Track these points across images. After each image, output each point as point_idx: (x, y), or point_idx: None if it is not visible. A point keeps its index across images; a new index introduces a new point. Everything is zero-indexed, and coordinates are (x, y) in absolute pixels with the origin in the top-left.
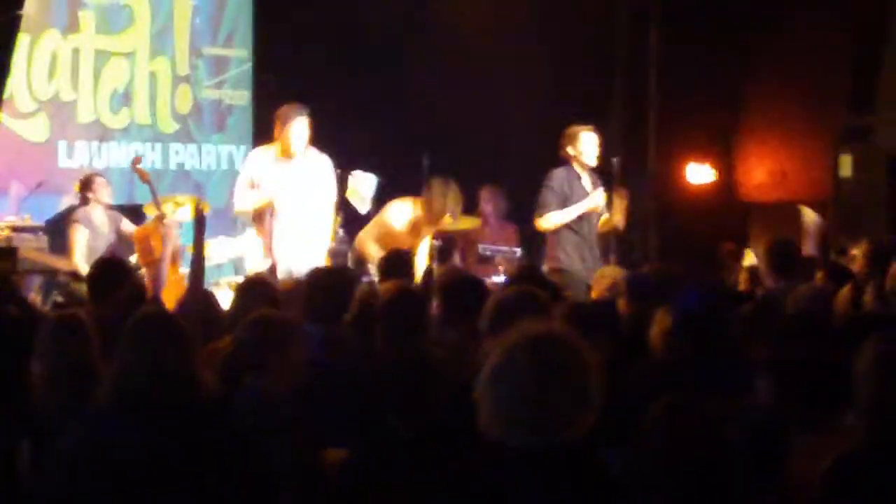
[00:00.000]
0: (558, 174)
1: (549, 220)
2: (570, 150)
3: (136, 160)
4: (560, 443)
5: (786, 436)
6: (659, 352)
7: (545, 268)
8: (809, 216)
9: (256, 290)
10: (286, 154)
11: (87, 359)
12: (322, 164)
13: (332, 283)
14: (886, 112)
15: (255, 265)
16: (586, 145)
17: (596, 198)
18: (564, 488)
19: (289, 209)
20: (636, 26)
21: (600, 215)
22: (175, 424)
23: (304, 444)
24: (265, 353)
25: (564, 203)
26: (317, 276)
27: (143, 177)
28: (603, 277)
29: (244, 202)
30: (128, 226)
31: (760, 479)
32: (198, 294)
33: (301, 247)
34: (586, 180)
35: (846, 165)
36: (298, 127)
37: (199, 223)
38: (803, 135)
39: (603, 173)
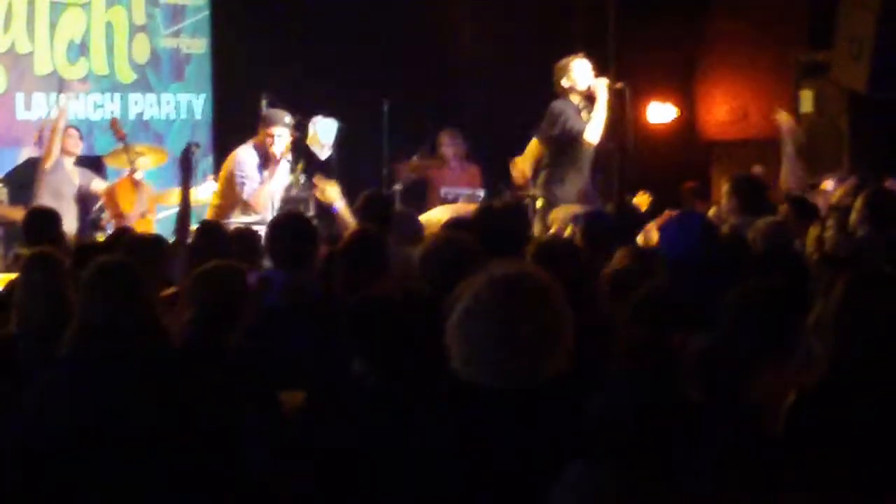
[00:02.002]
0: (559, 105)
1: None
2: (564, 82)
3: (114, 121)
4: (531, 384)
5: (746, 367)
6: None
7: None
8: (784, 118)
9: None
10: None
11: (60, 291)
12: None
13: (294, 228)
14: (844, 46)
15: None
16: (579, 73)
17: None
18: (534, 430)
19: None
20: None
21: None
22: (137, 374)
23: (263, 389)
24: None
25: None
26: (279, 221)
27: (121, 136)
28: (558, 217)
29: None
30: (98, 185)
31: (718, 410)
32: (184, 235)
33: None
34: (586, 113)
35: (807, 101)
36: None
37: (186, 166)
38: (763, 71)
39: None
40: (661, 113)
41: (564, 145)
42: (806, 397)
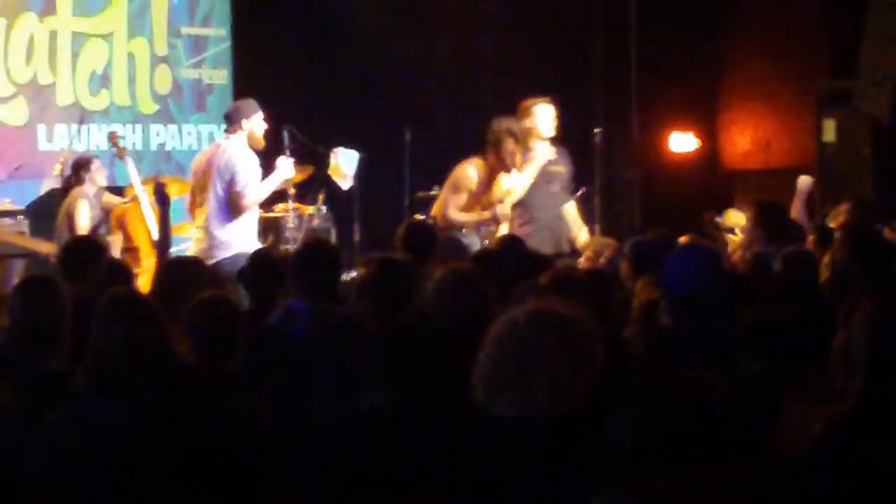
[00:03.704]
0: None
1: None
2: (526, 123)
3: (113, 134)
4: (553, 413)
5: (775, 400)
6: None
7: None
8: (804, 181)
9: (190, 270)
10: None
11: (55, 318)
12: None
13: (319, 257)
14: (867, 75)
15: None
16: (542, 118)
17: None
18: (556, 460)
19: None
20: None
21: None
22: (153, 403)
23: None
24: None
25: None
26: (303, 250)
27: (120, 153)
28: (589, 246)
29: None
30: (111, 198)
31: (747, 444)
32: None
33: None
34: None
35: (830, 130)
36: None
37: (162, 200)
38: (786, 101)
39: (586, 145)
40: (682, 143)
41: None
42: (836, 425)
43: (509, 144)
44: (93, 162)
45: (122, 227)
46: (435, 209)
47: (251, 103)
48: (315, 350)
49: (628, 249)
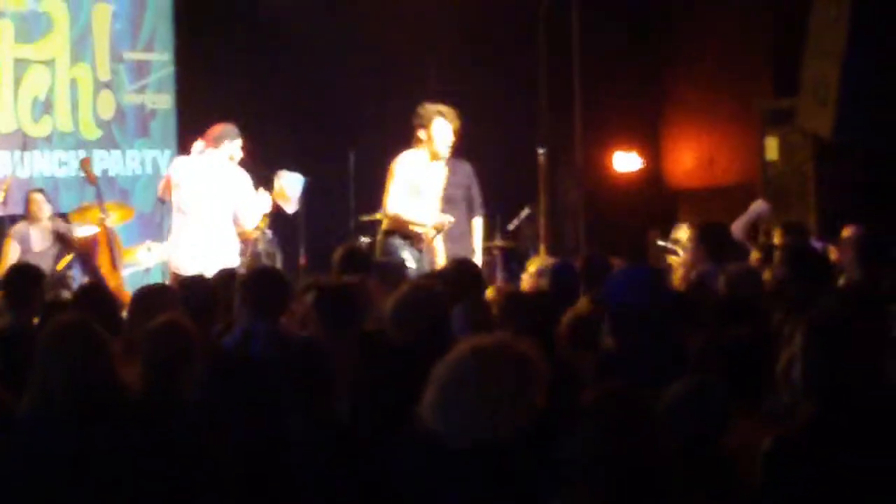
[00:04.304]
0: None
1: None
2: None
3: (85, 161)
4: (495, 441)
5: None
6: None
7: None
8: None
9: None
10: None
11: None
12: None
13: (271, 279)
14: (809, 93)
15: None
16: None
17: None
18: (503, 483)
19: None
20: (558, 15)
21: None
22: (97, 431)
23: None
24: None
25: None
26: (254, 275)
27: (91, 179)
28: (531, 266)
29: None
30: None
31: (693, 464)
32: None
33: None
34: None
35: (773, 148)
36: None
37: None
38: (729, 119)
39: (530, 165)
40: (626, 162)
41: None
42: (784, 443)
43: (439, 124)
44: (32, 199)
45: (91, 250)
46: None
47: (235, 129)
48: (273, 371)
49: (549, 274)
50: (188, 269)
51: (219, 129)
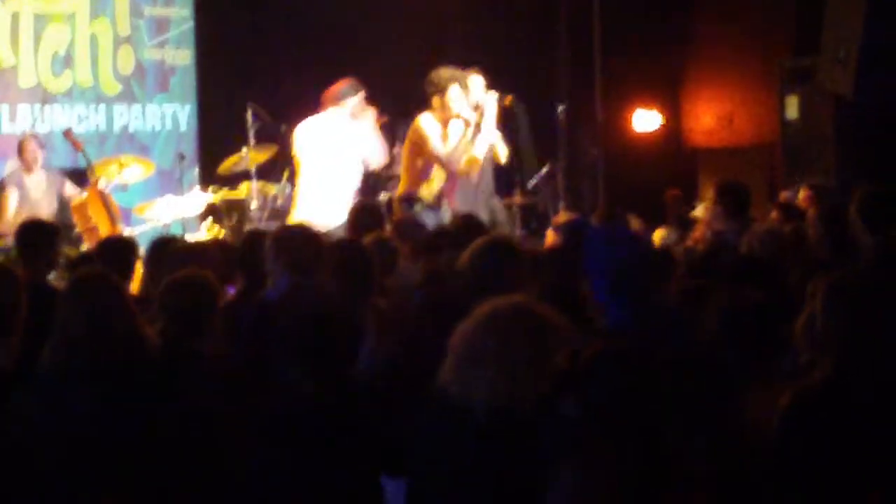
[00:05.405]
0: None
1: None
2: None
3: (68, 132)
4: (514, 408)
5: (735, 378)
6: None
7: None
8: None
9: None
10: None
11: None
12: None
13: (303, 236)
14: (830, 52)
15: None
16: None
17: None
18: (520, 444)
19: None
20: None
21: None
22: (121, 385)
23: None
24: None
25: None
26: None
27: (77, 146)
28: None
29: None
30: (71, 189)
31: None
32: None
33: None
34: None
35: (792, 107)
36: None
37: None
38: (749, 78)
39: (550, 123)
40: (646, 121)
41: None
42: (801, 399)
43: (455, 91)
44: (26, 144)
45: (83, 211)
46: (402, 179)
47: (355, 85)
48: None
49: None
50: (328, 225)
51: (338, 87)
